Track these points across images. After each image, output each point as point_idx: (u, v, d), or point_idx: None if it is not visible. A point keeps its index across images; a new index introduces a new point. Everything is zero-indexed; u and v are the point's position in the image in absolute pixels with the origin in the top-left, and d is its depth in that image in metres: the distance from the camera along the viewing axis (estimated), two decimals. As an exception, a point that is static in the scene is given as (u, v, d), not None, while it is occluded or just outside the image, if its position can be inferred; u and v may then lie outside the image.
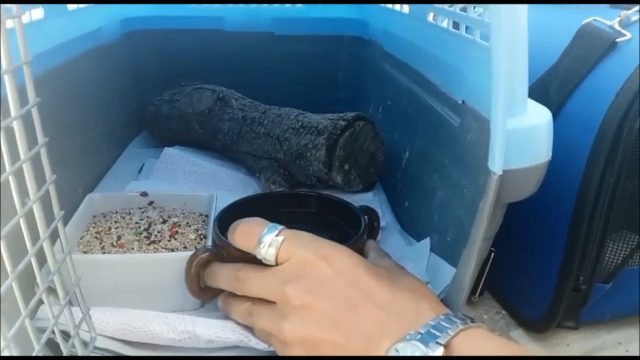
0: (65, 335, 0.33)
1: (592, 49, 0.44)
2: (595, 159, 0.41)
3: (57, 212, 0.33)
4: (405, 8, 0.61)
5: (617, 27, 0.44)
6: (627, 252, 0.45)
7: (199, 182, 0.64)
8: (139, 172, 0.66)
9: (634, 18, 0.44)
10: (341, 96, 0.85)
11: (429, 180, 0.52)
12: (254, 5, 0.81)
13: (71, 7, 0.58)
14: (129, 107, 0.77)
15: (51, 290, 0.32)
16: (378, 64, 0.72)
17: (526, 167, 0.33)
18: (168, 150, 0.67)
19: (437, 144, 0.50)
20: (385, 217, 0.59)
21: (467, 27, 0.43)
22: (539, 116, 0.34)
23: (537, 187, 0.35)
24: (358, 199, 0.62)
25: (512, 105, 0.33)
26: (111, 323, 0.39)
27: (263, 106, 0.69)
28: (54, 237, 0.31)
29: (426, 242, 0.51)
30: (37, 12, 0.50)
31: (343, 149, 0.60)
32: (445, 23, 0.49)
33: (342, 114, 0.62)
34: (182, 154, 0.67)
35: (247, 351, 0.40)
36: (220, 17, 0.81)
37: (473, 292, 0.52)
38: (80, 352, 0.34)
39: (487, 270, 0.51)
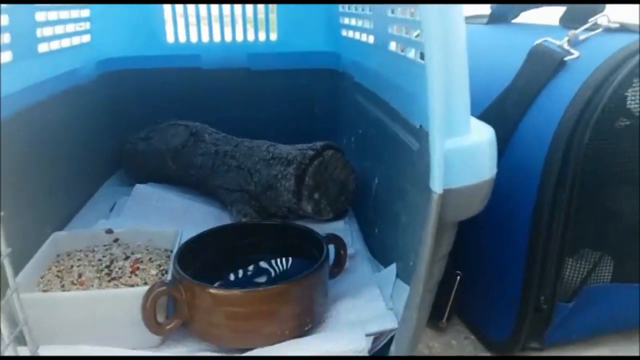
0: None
1: (542, 68, 0.45)
2: (548, 175, 0.41)
3: (4, 248, 0.33)
4: (371, 39, 0.63)
5: (566, 46, 0.45)
6: (587, 271, 0.44)
7: (171, 217, 0.64)
8: (111, 210, 0.66)
9: (582, 37, 0.45)
10: (318, 128, 0.85)
11: (394, 206, 0.52)
12: (229, 42, 0.82)
13: (42, 49, 0.59)
14: (105, 146, 0.78)
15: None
16: (351, 95, 0.72)
17: (469, 185, 0.33)
18: (139, 187, 0.67)
19: (400, 170, 0.51)
20: (355, 245, 0.59)
21: (422, 53, 0.44)
22: (481, 134, 0.34)
23: (482, 204, 0.35)
24: (329, 228, 0.62)
25: (452, 124, 0.33)
26: (64, 362, 0.39)
27: (235, 139, 0.70)
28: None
29: (392, 268, 0.50)
30: (5, 54, 0.52)
31: (312, 178, 0.60)
32: (403, 51, 0.50)
33: (311, 144, 0.63)
34: (154, 190, 0.67)
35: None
36: (197, 55, 0.82)
37: (440, 317, 0.51)
38: (27, 392, 0.34)
39: (452, 295, 0.50)
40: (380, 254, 0.56)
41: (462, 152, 0.34)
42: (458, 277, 0.49)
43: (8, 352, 0.32)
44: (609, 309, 0.48)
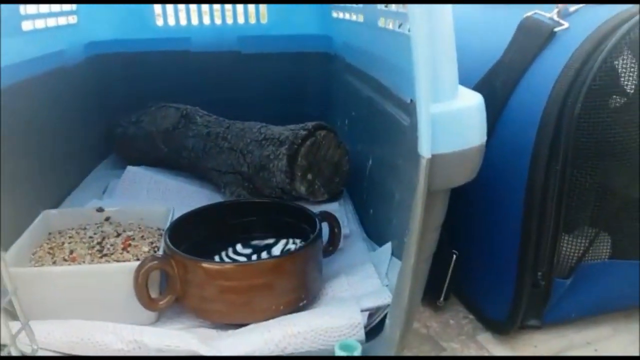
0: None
1: (532, 40, 0.45)
2: (540, 148, 0.41)
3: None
4: (361, 17, 0.62)
5: (555, 17, 0.45)
6: (584, 247, 0.44)
7: (164, 199, 0.64)
8: (104, 192, 0.66)
9: (572, 9, 0.45)
10: (310, 111, 0.84)
11: (388, 185, 0.52)
12: (219, 25, 0.82)
13: (26, 27, 0.58)
14: (96, 129, 0.78)
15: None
16: (343, 77, 0.72)
17: (457, 151, 0.33)
18: (131, 169, 0.67)
19: (393, 147, 0.51)
20: (350, 226, 0.59)
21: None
22: (468, 100, 0.34)
23: (474, 172, 0.35)
24: (324, 209, 0.61)
25: (438, 90, 0.33)
26: (57, 336, 0.39)
27: (227, 121, 0.70)
28: None
29: (387, 246, 0.50)
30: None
31: (305, 158, 0.60)
32: (391, 25, 0.50)
33: (303, 124, 0.63)
34: (145, 172, 0.67)
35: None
36: (187, 38, 0.82)
37: (438, 296, 0.51)
38: (18, 364, 0.34)
39: (449, 273, 0.50)
40: (376, 235, 0.56)
41: (449, 117, 0.33)
42: (454, 256, 0.49)
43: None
44: (608, 286, 0.48)
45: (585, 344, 0.48)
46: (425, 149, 0.32)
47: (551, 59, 0.42)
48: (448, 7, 0.33)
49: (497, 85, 0.46)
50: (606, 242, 0.46)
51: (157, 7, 0.80)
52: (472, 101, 0.33)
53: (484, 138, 0.34)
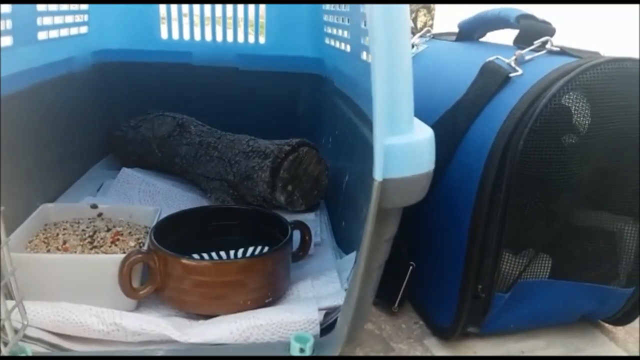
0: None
1: (490, 82, 0.50)
2: (486, 177, 0.46)
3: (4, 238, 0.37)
4: (348, 48, 0.68)
5: (512, 64, 0.50)
6: (524, 265, 0.49)
7: (153, 200, 0.69)
8: (98, 190, 0.71)
9: (528, 57, 0.51)
10: (299, 127, 0.89)
11: (359, 199, 0.57)
12: (220, 42, 0.87)
13: (41, 36, 0.64)
14: (96, 131, 0.83)
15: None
16: (330, 99, 0.78)
17: (407, 176, 0.38)
18: (125, 170, 0.72)
19: (365, 166, 0.55)
20: (322, 235, 0.64)
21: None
22: (421, 134, 0.39)
23: (422, 194, 0.40)
24: (300, 218, 0.66)
25: (395, 124, 0.38)
26: (45, 315, 0.43)
27: (219, 132, 0.75)
28: None
29: (352, 255, 0.55)
30: (6, 39, 0.56)
31: (287, 172, 0.65)
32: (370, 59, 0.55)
33: (288, 140, 0.68)
34: (139, 174, 0.72)
35: (172, 344, 0.44)
36: (188, 52, 0.87)
37: (393, 302, 0.56)
38: (10, 336, 0.38)
39: (405, 281, 0.55)
40: (346, 244, 0.61)
41: (403, 148, 0.39)
42: (411, 267, 0.54)
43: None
44: (546, 303, 0.53)
45: (520, 352, 0.53)
46: (378, 173, 0.37)
47: (504, 100, 0.48)
48: (405, 50, 0.38)
49: (459, 118, 0.52)
50: (547, 263, 0.51)
51: (163, 21, 0.86)
52: (423, 135, 0.39)
53: (432, 166, 0.39)
